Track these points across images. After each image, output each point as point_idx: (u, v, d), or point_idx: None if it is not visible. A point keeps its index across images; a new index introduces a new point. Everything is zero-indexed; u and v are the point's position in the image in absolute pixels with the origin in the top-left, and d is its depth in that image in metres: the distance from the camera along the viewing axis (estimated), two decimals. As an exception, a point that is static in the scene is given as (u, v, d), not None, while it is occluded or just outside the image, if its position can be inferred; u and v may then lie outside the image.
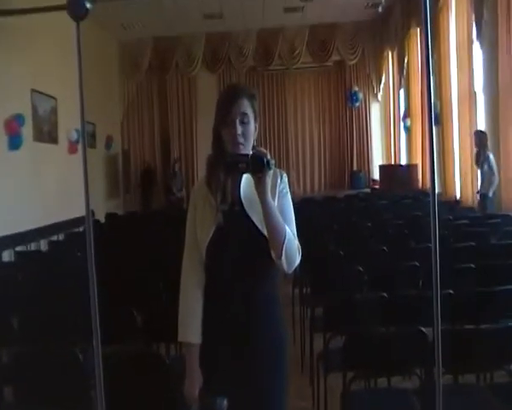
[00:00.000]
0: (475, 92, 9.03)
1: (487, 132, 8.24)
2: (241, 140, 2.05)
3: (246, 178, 2.09)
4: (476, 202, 8.59)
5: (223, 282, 2.08)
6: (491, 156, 7.87)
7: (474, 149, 8.40)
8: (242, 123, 2.07)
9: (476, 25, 8.44)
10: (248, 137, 2.09)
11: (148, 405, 2.74)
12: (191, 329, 2.11)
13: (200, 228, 2.12)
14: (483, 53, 8.68)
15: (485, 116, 8.79)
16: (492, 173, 7.84)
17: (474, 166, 8.58)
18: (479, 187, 8.30)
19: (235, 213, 2.08)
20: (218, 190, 2.09)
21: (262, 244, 2.00)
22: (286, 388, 2.18)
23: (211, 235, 2.07)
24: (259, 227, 2.02)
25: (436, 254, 1.16)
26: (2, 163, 8.03)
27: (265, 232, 2.00)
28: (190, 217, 2.20)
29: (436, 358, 1.20)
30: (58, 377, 2.81)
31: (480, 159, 8.04)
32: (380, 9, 13.27)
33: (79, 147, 10.63)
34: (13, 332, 3.59)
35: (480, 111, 8.98)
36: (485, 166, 7.90)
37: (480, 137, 8.11)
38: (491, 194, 7.89)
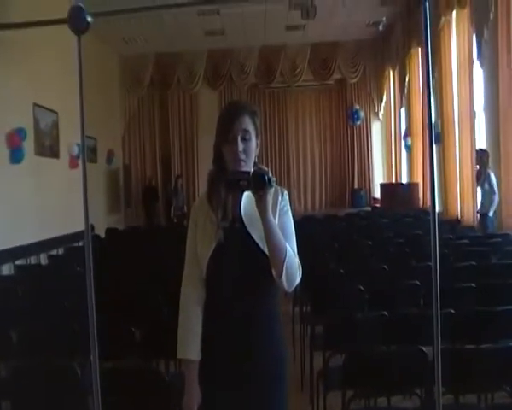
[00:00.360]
0: (475, 111, 9.04)
1: (488, 151, 8.25)
2: (242, 157, 2.05)
3: (247, 196, 2.08)
4: (476, 221, 8.56)
5: (223, 299, 2.07)
6: (492, 175, 7.88)
7: (476, 168, 8.41)
8: (244, 140, 2.07)
9: (477, 44, 8.49)
10: (250, 153, 2.08)
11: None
12: (191, 346, 2.10)
13: (201, 244, 2.11)
14: (483, 72, 8.72)
15: (486, 135, 8.80)
16: (493, 192, 7.84)
17: (475, 185, 8.58)
18: (479, 206, 8.29)
19: (235, 230, 2.08)
20: (218, 206, 2.09)
21: (263, 262, 2.00)
22: (286, 406, 2.16)
23: (211, 251, 2.06)
24: (260, 245, 2.02)
25: (436, 273, 1.16)
26: (4, 176, 8.03)
27: (266, 250, 1.99)
28: (191, 233, 2.19)
29: (436, 377, 1.19)
30: (56, 392, 2.79)
31: (481, 177, 8.05)
32: (380, 28, 13.33)
33: (80, 161, 10.64)
34: (12, 346, 3.58)
35: (481, 130, 8.99)
36: (486, 185, 7.91)
37: (480, 155, 8.13)
38: (491, 213, 7.89)
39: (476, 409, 3.13)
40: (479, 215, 8.33)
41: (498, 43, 7.90)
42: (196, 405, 2.07)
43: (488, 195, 7.92)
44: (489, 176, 7.90)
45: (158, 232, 11.09)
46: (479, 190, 8.33)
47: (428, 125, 1.13)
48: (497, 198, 7.85)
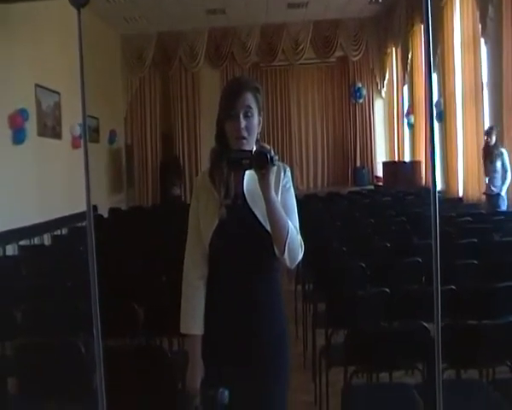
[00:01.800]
0: (482, 90, 8.93)
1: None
2: (244, 134, 2.05)
3: (249, 173, 2.08)
4: (485, 200, 8.29)
5: (225, 276, 2.09)
6: (505, 152, 7.70)
7: (483, 144, 8.14)
8: (246, 116, 2.07)
9: (481, 21, 8.41)
10: (252, 130, 2.08)
11: (149, 398, 2.75)
12: (194, 321, 2.12)
13: (203, 221, 2.12)
14: (487, 49, 8.65)
15: (489, 113, 8.75)
16: (505, 170, 7.64)
17: (481, 163, 8.37)
18: (488, 185, 7.99)
19: (238, 207, 2.08)
20: (221, 184, 2.09)
21: (265, 239, 2.01)
22: (288, 381, 2.19)
23: (214, 228, 2.07)
24: (262, 222, 2.02)
25: (436, 249, 1.17)
26: (7, 157, 8.05)
27: (268, 227, 2.00)
28: (193, 209, 2.20)
29: (436, 354, 1.20)
30: (61, 370, 2.83)
31: (492, 155, 7.77)
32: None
33: (83, 141, 10.62)
34: (16, 325, 3.61)
35: (485, 107, 8.91)
36: (498, 163, 7.69)
37: (493, 132, 7.83)
38: (504, 192, 7.72)
39: (478, 384, 3.15)
40: (486, 195, 8.06)
41: (503, 21, 7.83)
42: (199, 379, 2.09)
43: (502, 173, 7.70)
44: (502, 154, 7.69)
45: (161, 212, 11.11)
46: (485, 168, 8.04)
47: (429, 103, 1.13)
48: (510, 177, 7.64)
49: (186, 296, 2.17)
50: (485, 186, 8.20)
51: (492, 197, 7.92)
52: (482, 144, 8.22)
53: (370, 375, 3.44)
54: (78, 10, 1.00)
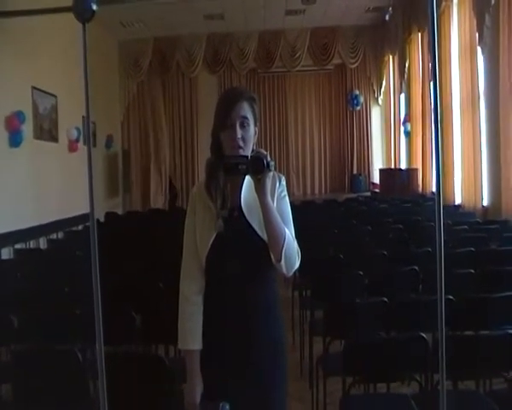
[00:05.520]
0: (479, 98, 8.91)
1: (487, 137, 8.16)
2: (240, 144, 2.04)
3: (246, 185, 2.08)
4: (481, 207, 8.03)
5: (222, 288, 2.07)
6: None
7: None
8: (242, 126, 2.06)
9: (478, 30, 8.42)
10: (248, 140, 2.07)
11: (146, 406, 2.73)
12: (192, 336, 2.09)
13: (200, 234, 2.10)
14: (484, 58, 8.66)
15: (486, 121, 8.75)
16: None
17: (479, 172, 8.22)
18: None
19: (234, 219, 2.07)
20: (217, 195, 2.07)
21: (262, 250, 2.00)
22: (286, 390, 2.18)
23: (211, 242, 2.05)
24: (260, 234, 2.02)
25: (441, 262, 1.16)
26: (3, 160, 8.01)
27: (265, 238, 1.99)
28: (189, 222, 2.17)
29: (440, 364, 1.19)
30: (57, 376, 2.80)
31: None
32: (387, 18, 13.21)
33: (80, 145, 10.63)
34: (12, 330, 3.58)
35: (481, 116, 8.90)
36: None
37: None
38: None
39: (475, 395, 3.15)
40: None
41: (500, 29, 7.85)
42: (199, 393, 2.07)
43: None
44: None
45: (158, 217, 11.08)
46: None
47: (434, 114, 1.12)
48: None
49: (184, 312, 2.14)
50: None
51: None
52: None
53: (368, 385, 3.43)
54: (84, 25, 0.99)
